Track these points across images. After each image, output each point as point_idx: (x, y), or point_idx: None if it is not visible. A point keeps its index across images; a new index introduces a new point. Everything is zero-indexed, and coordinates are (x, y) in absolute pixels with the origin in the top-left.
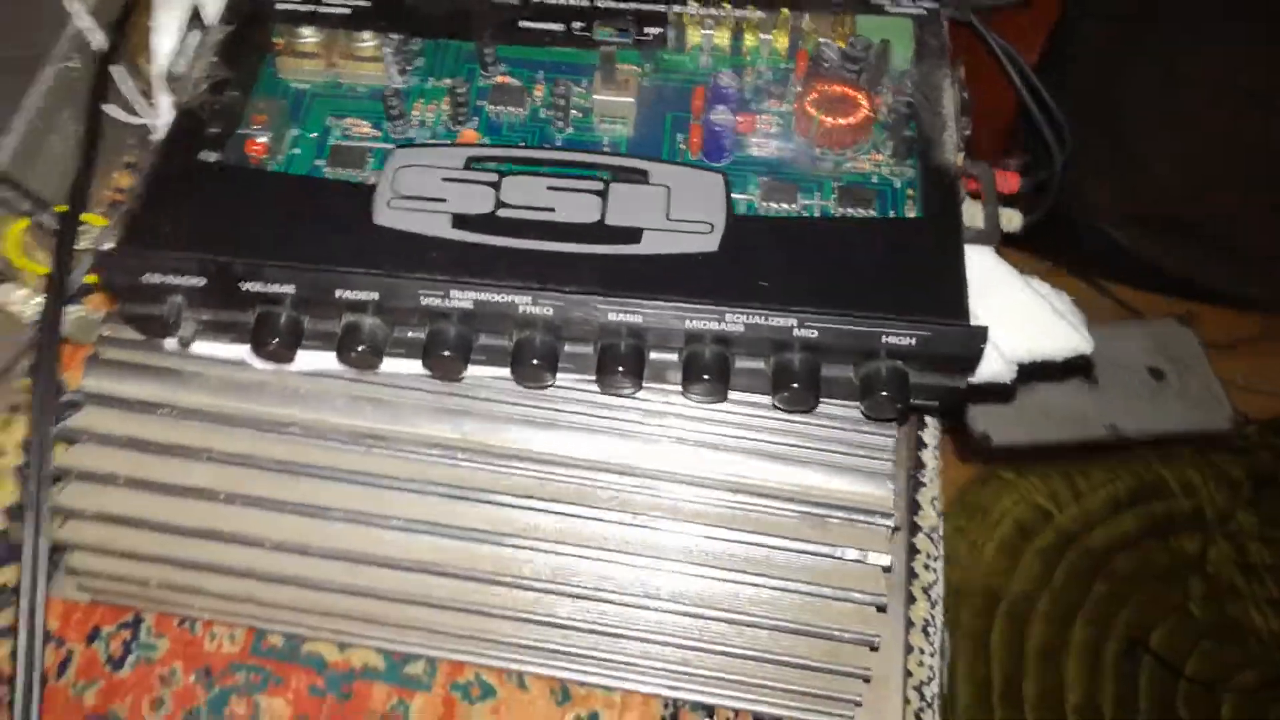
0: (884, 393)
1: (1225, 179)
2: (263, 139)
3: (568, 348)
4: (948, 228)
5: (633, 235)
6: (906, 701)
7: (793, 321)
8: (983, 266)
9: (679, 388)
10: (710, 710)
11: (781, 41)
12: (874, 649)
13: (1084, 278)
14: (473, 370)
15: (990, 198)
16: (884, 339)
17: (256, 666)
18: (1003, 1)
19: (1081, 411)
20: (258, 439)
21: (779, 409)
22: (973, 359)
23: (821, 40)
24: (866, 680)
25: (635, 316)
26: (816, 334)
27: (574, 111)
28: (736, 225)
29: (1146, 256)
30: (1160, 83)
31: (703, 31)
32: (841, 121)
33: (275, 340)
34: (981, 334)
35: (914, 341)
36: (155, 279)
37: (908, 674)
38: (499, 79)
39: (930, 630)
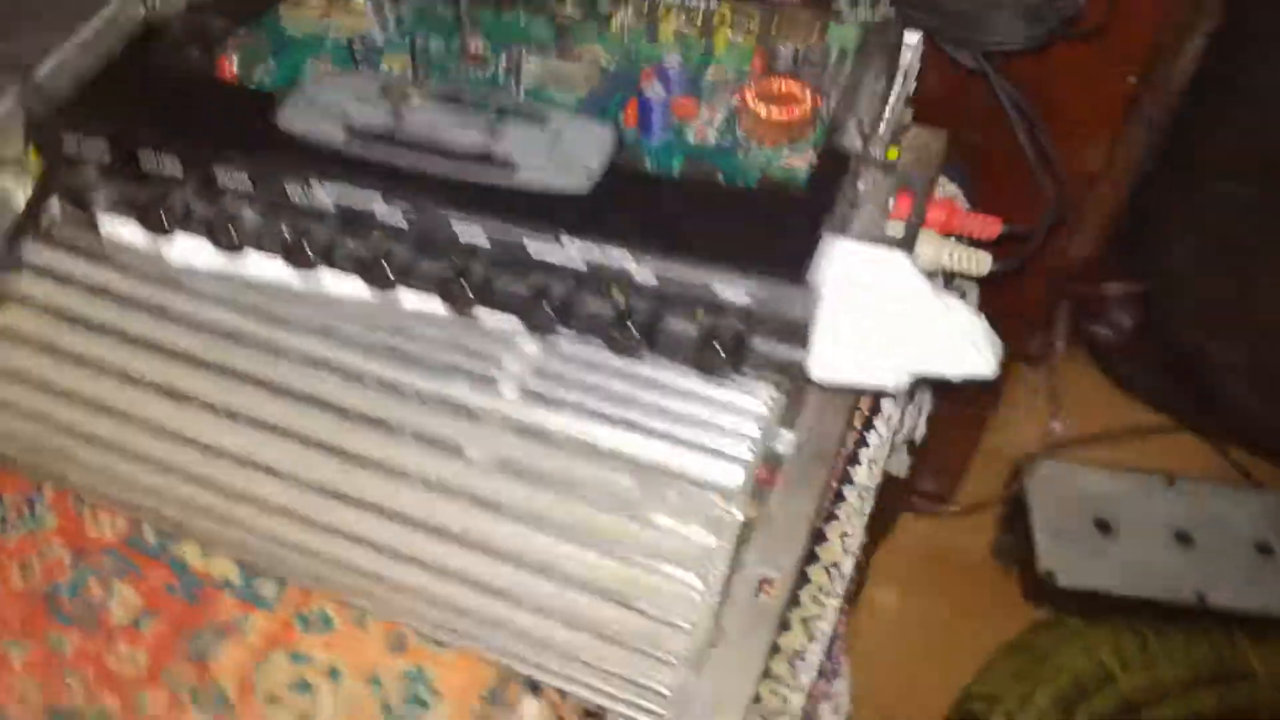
0: (715, 346)
1: None
2: (234, 62)
3: (426, 266)
4: (820, 202)
5: (509, 166)
6: None
7: (629, 258)
8: (895, 273)
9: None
10: (536, 686)
11: (750, 43)
12: (689, 634)
13: (1204, 436)
14: (336, 284)
15: (918, 212)
16: (715, 288)
17: (124, 556)
18: (1013, 47)
19: (1169, 570)
20: (145, 322)
21: (617, 352)
22: (801, 323)
23: (783, 44)
24: (674, 667)
25: (480, 237)
26: (652, 275)
27: (528, 79)
28: (615, 174)
29: (1272, 423)
30: None
31: (675, 27)
32: (778, 116)
33: (158, 211)
34: (808, 296)
35: (744, 295)
36: (73, 144)
37: (757, 698)
38: (473, 46)
39: (800, 664)
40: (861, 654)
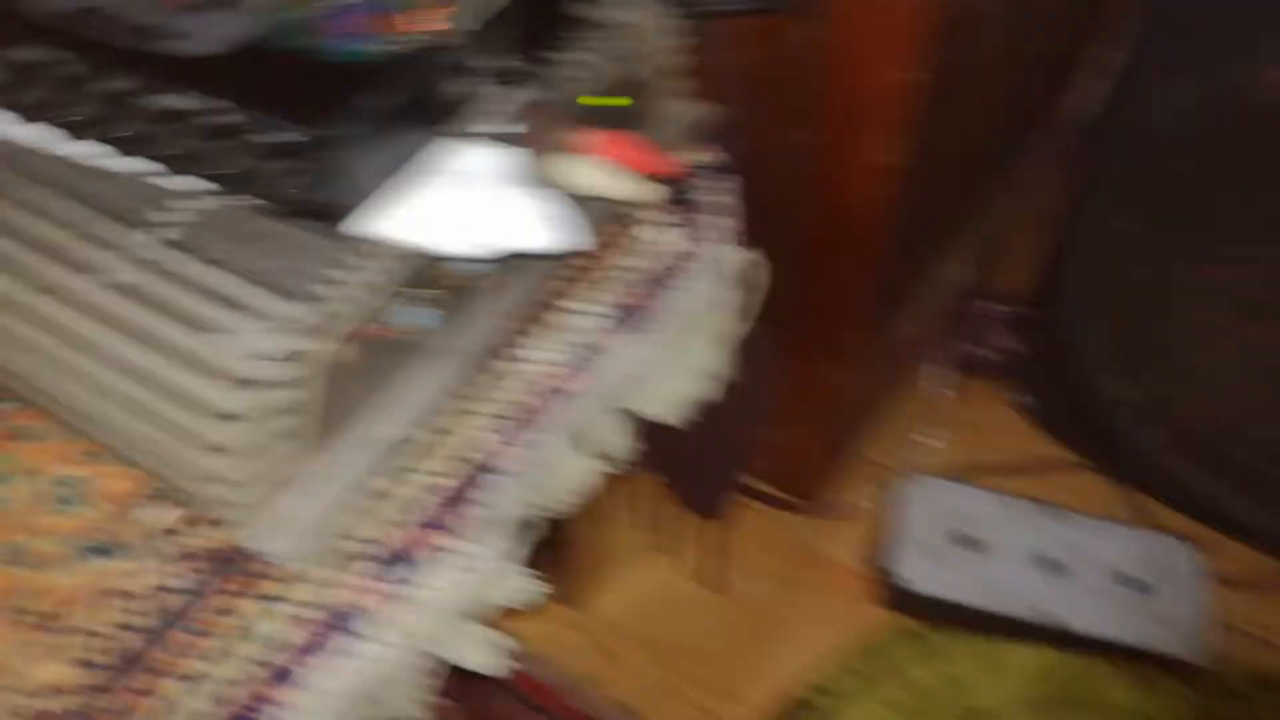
0: (261, 175)
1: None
2: None
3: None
4: (381, 75)
5: (182, 35)
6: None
7: (198, 97)
8: (489, 162)
9: None
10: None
11: None
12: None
13: (1112, 478)
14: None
15: (541, 123)
16: (256, 123)
17: None
18: (727, 8)
19: (1033, 592)
20: None
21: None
22: (319, 160)
23: None
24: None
25: (121, 83)
26: (210, 108)
27: None
28: (254, 46)
29: (1176, 472)
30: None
31: None
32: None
33: None
34: (318, 135)
35: (281, 135)
36: None
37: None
38: None
39: (384, 503)
40: (696, 633)
